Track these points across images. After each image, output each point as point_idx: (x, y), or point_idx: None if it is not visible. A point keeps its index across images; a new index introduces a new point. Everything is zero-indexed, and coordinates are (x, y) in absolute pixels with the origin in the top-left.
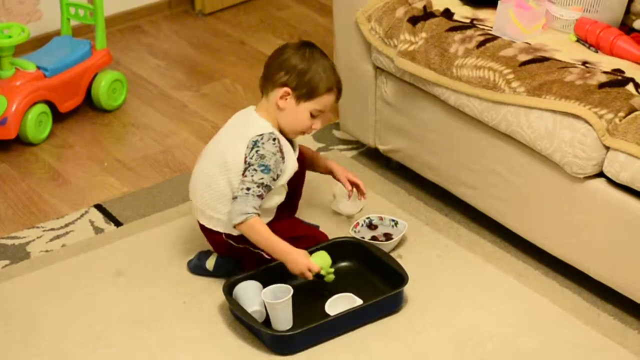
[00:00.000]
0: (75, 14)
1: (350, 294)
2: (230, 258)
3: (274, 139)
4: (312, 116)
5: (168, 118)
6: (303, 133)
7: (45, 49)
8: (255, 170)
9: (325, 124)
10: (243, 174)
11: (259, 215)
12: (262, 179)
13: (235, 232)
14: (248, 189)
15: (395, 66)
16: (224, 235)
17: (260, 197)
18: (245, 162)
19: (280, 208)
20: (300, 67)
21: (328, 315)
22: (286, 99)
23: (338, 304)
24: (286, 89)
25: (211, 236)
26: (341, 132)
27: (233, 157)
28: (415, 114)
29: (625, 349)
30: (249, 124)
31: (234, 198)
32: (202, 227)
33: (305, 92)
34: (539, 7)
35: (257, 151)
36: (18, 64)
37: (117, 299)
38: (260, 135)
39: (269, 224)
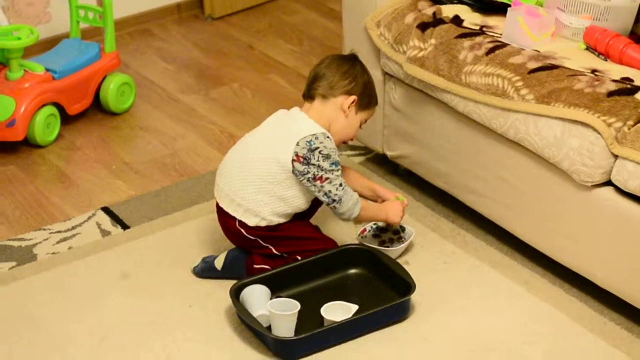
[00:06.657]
0: (85, 16)
1: (345, 302)
2: (239, 256)
3: (328, 137)
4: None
5: (176, 122)
6: (345, 143)
7: (54, 51)
8: (330, 170)
9: None
10: (317, 179)
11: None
12: (338, 170)
13: (250, 222)
14: (340, 184)
15: (404, 72)
16: (237, 223)
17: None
18: (300, 161)
19: (300, 214)
20: (364, 78)
21: (323, 320)
22: (349, 107)
23: (333, 309)
24: (354, 97)
25: (225, 220)
26: None
27: (283, 154)
28: (423, 120)
29: (631, 358)
30: (299, 123)
31: (333, 200)
32: (219, 211)
33: (366, 101)
34: (549, 14)
35: (320, 152)
36: (27, 65)
37: (123, 302)
38: (314, 134)
39: (284, 223)
